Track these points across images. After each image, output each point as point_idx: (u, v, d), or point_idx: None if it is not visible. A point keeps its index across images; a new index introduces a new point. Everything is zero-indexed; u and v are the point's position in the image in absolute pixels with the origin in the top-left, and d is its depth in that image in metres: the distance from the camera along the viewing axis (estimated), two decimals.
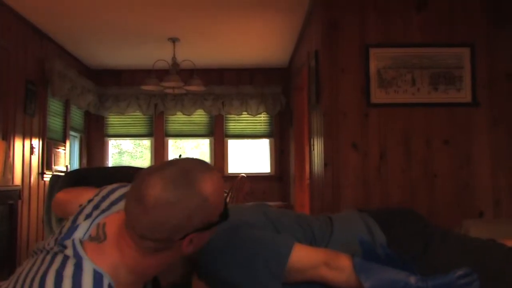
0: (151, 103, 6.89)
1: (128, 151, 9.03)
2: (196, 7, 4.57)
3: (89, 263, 1.07)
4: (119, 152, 8.69)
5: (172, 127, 7.10)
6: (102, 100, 6.87)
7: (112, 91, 6.88)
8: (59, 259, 1.09)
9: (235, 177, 5.70)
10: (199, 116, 7.06)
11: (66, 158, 5.92)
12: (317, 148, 4.14)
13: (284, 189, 6.98)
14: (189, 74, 6.07)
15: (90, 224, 1.15)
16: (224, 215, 1.16)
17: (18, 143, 4.62)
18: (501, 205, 3.75)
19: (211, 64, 6.69)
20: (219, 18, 4.87)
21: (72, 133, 6.28)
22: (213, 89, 6.85)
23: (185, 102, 6.86)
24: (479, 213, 3.74)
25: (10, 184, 4.18)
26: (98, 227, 1.14)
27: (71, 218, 1.20)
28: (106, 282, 1.06)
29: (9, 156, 4.20)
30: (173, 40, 5.50)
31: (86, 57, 6.36)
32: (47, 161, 5.29)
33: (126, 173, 1.77)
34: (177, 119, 7.08)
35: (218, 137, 7.05)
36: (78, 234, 1.13)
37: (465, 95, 3.80)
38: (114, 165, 7.52)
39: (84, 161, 6.75)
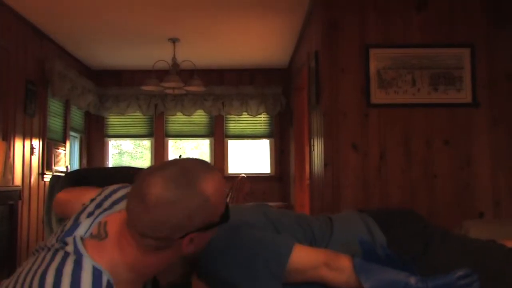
0: (151, 104, 6.89)
1: (128, 152, 9.03)
2: (196, 7, 4.57)
3: (89, 260, 1.08)
4: (119, 153, 8.69)
5: (172, 127, 7.11)
6: (102, 101, 6.87)
7: (112, 91, 6.88)
8: (59, 256, 1.09)
9: (235, 177, 5.70)
10: (199, 117, 7.06)
11: (66, 158, 5.92)
12: (317, 148, 4.14)
13: (284, 189, 6.98)
14: (189, 74, 6.08)
15: (92, 222, 1.16)
16: (225, 216, 1.16)
17: (18, 144, 4.63)
18: (501, 205, 3.75)
19: (211, 64, 6.69)
20: (219, 18, 4.87)
21: (72, 133, 6.28)
22: (213, 89, 6.85)
23: (185, 102, 6.86)
24: (479, 213, 3.74)
25: (10, 184, 4.18)
26: (100, 225, 1.15)
27: (73, 217, 1.21)
28: (105, 279, 1.07)
29: (9, 157, 4.21)
30: (173, 41, 5.50)
31: (86, 57, 6.36)
32: (47, 162, 5.29)
33: (126, 174, 1.77)
34: (177, 120, 7.08)
35: (218, 137, 7.05)
36: (80, 231, 1.14)
37: (465, 96, 3.80)
38: (114, 165, 7.52)
39: (84, 161, 6.75)
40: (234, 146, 7.21)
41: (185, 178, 1.08)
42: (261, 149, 7.30)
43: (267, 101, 6.92)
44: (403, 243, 1.53)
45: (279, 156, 7.07)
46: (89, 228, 1.15)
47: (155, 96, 6.83)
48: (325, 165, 3.78)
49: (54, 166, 5.47)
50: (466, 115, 3.81)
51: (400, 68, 3.79)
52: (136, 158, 8.97)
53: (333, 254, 1.40)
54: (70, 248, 1.10)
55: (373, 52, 3.80)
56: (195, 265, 1.45)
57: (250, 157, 7.34)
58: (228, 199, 5.05)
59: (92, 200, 1.25)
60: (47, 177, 5.19)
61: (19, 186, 4.43)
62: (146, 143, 7.70)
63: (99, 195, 1.27)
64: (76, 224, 1.16)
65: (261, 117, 7.09)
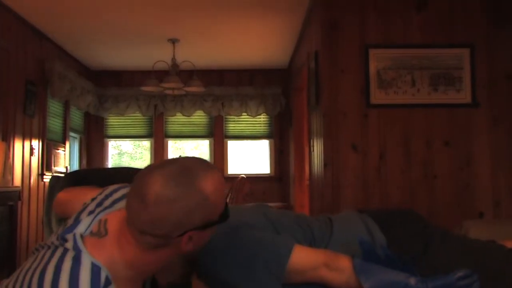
0: (151, 104, 6.89)
1: (127, 152, 9.03)
2: (196, 8, 4.57)
3: (88, 256, 1.08)
4: (118, 153, 8.68)
5: (171, 128, 7.10)
6: (102, 101, 6.87)
7: (111, 92, 6.88)
8: (58, 252, 1.10)
9: (234, 178, 5.70)
10: (199, 117, 7.06)
11: (66, 159, 5.92)
12: (317, 148, 4.14)
13: (284, 190, 6.98)
14: (188, 75, 6.08)
15: (92, 220, 1.17)
16: (225, 215, 1.16)
17: (18, 144, 4.62)
18: (501, 205, 3.75)
19: (210, 65, 6.69)
20: (219, 18, 4.87)
21: (71, 134, 6.28)
22: (213, 90, 6.85)
23: (184, 103, 6.86)
24: (479, 213, 3.73)
25: (10, 185, 4.18)
26: (100, 223, 1.16)
27: (74, 215, 1.22)
28: (103, 275, 1.07)
29: (8, 157, 4.20)
30: (173, 41, 5.50)
31: (85, 58, 6.36)
32: (47, 162, 5.28)
33: (126, 174, 1.77)
34: (177, 120, 7.08)
35: (218, 138, 7.05)
36: (80, 229, 1.15)
37: (465, 96, 3.80)
38: (114, 166, 7.51)
39: (84, 162, 6.75)
40: (233, 147, 7.21)
41: (184, 176, 1.08)
42: (261, 149, 7.30)
43: (266, 101, 6.92)
44: (403, 243, 1.52)
45: (278, 156, 7.07)
46: (89, 225, 1.15)
47: (155, 97, 6.83)
48: (325, 165, 3.78)
49: (54, 166, 5.47)
50: (466, 116, 3.81)
51: (400, 68, 3.79)
52: (136, 159, 8.96)
53: (333, 255, 1.40)
54: (69, 245, 1.10)
55: (373, 52, 3.80)
56: (194, 265, 1.45)
57: (249, 157, 7.34)
58: (228, 200, 5.04)
59: (93, 199, 1.26)
60: (47, 178, 5.19)
61: (18, 186, 4.43)
62: (146, 144, 7.70)
63: (99, 194, 1.28)
64: (76, 222, 1.17)
65: (260, 118, 7.09)
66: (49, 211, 1.98)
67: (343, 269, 1.35)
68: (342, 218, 1.66)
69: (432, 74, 3.79)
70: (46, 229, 1.99)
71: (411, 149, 3.77)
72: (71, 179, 1.90)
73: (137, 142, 8.41)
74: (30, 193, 4.91)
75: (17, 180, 4.60)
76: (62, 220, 1.65)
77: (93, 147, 6.96)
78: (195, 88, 5.87)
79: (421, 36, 3.84)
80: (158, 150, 7.01)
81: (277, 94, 6.93)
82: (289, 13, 4.69)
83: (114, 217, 1.16)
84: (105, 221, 1.16)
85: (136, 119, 7.07)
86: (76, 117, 6.45)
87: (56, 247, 1.12)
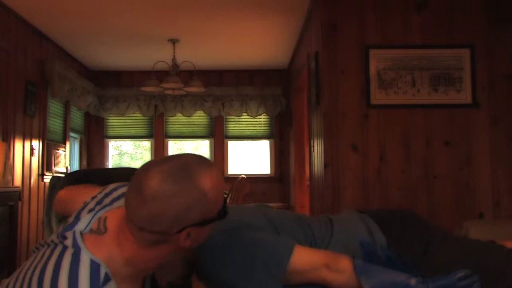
0: (151, 104, 6.89)
1: (128, 153, 9.03)
2: (196, 8, 4.57)
3: (87, 253, 1.09)
4: (119, 154, 8.68)
5: (172, 128, 7.10)
6: (102, 101, 6.87)
7: (112, 92, 6.88)
8: (58, 250, 1.11)
9: (235, 178, 5.70)
10: (199, 117, 7.06)
11: (66, 159, 5.92)
12: (317, 149, 4.14)
13: (284, 190, 6.98)
14: (189, 75, 6.08)
15: (92, 218, 1.17)
16: (223, 212, 1.16)
17: (18, 144, 4.62)
18: (501, 206, 3.75)
19: (211, 65, 6.69)
20: (219, 19, 4.87)
21: (72, 134, 6.28)
22: (213, 90, 6.85)
23: (185, 103, 6.86)
24: (479, 214, 3.73)
25: (10, 185, 4.18)
26: (99, 221, 1.16)
27: (74, 214, 1.22)
28: (103, 271, 1.08)
29: (9, 157, 4.20)
30: (173, 41, 5.50)
31: (86, 58, 6.36)
32: (47, 163, 5.28)
33: (126, 174, 1.77)
34: (177, 120, 7.08)
35: (218, 138, 7.05)
36: (80, 226, 1.15)
37: (465, 96, 3.80)
38: (114, 166, 7.51)
39: (84, 162, 6.75)
40: (234, 147, 7.21)
41: (183, 172, 1.08)
42: (261, 150, 7.30)
43: (267, 102, 6.92)
44: (403, 244, 1.52)
45: (279, 157, 7.07)
46: (89, 223, 1.16)
47: (155, 97, 6.83)
48: (325, 165, 3.78)
49: (54, 167, 5.47)
50: (466, 116, 3.81)
51: (400, 68, 3.79)
52: (136, 159, 8.96)
53: (333, 255, 1.40)
54: (68, 242, 1.11)
55: (373, 53, 3.80)
56: (194, 266, 1.45)
57: (250, 158, 7.34)
58: (228, 200, 5.04)
59: (93, 198, 1.27)
60: (47, 178, 5.19)
61: (19, 187, 4.43)
62: (146, 144, 7.70)
63: (100, 192, 1.29)
64: (76, 220, 1.18)
65: (261, 118, 7.09)
66: (50, 211, 1.98)
67: (343, 270, 1.35)
68: (343, 218, 1.66)
69: (432, 74, 3.79)
70: (47, 229, 1.99)
71: (411, 150, 3.77)
72: (72, 179, 1.90)
73: (137, 142, 8.41)
74: (31, 193, 4.91)
75: (17, 180, 4.60)
76: (62, 220, 1.65)
77: (93, 147, 6.96)
78: (195, 89, 5.87)
79: (421, 37, 3.84)
80: (158, 150, 7.01)
81: (277, 94, 6.92)
82: (289, 13, 4.69)
83: (114, 214, 1.17)
84: (105, 218, 1.16)
85: (136, 119, 7.07)
86: (76, 117, 6.45)
87: (56, 245, 1.13)
